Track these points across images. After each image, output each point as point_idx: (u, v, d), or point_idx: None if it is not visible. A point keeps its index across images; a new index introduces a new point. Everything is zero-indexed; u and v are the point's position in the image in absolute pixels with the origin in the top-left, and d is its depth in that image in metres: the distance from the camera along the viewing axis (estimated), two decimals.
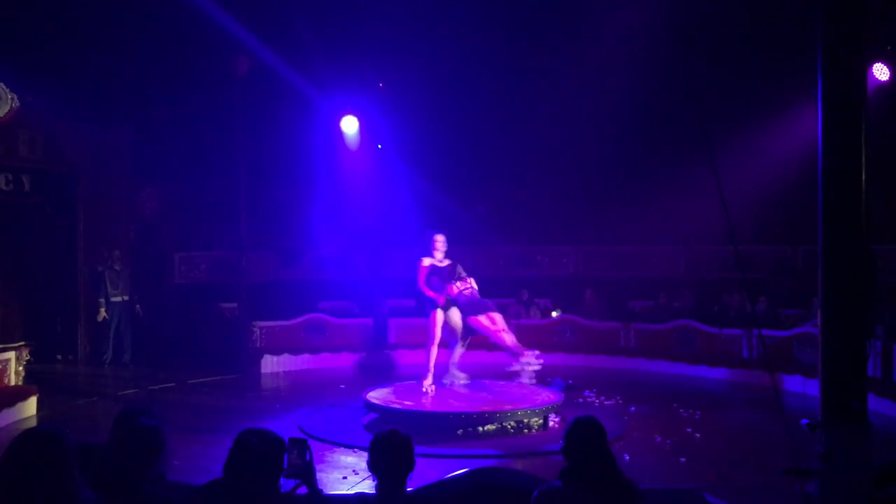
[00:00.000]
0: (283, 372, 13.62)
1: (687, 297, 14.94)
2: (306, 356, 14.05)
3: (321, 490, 3.68)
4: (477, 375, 10.48)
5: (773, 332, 12.47)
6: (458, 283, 9.82)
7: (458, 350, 10.20)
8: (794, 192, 14.69)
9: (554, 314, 15.42)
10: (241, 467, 3.34)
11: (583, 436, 3.49)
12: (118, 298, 14.06)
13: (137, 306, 14.27)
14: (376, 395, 9.56)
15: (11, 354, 10.32)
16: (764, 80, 14.76)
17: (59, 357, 14.24)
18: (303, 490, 3.65)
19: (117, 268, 14.11)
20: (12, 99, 12.89)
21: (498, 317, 9.90)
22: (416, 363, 11.38)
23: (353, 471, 7.45)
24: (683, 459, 8.07)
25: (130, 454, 3.39)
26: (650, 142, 16.10)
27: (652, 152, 16.19)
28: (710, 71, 13.35)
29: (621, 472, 3.46)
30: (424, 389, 9.77)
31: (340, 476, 7.32)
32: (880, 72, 13.21)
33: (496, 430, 8.76)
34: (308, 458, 3.61)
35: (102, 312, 13.89)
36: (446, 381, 10.05)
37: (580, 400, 10.92)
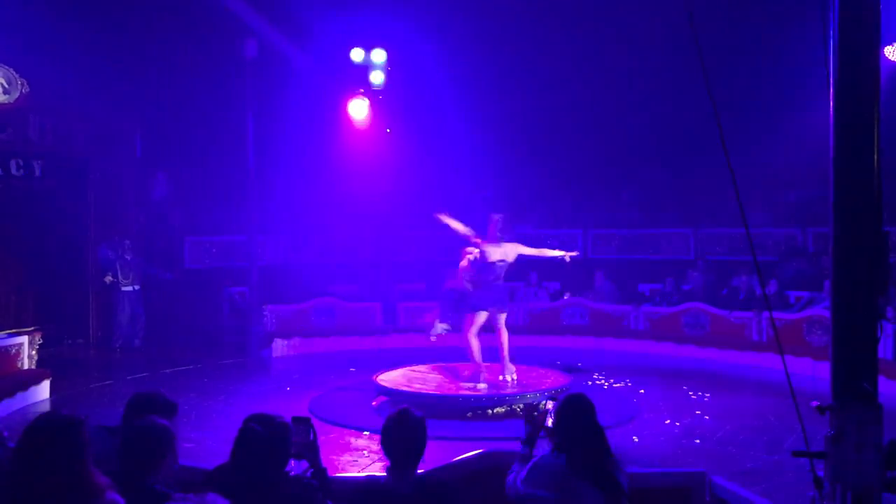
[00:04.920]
0: (294, 355, 13.65)
1: (696, 279, 14.90)
2: (316, 339, 14.04)
3: (325, 468, 3.69)
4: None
5: (782, 314, 12.44)
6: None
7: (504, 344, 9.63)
8: (806, 173, 14.61)
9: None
10: (246, 454, 3.35)
11: (570, 411, 3.66)
12: (129, 287, 14.10)
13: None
14: (386, 378, 9.60)
15: (24, 339, 10.39)
16: (776, 59, 14.62)
17: (69, 342, 14.32)
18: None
19: (128, 257, 14.14)
20: (22, 84, 12.90)
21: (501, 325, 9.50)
22: (425, 347, 11.38)
23: (364, 453, 7.50)
24: (693, 442, 8.09)
25: (140, 454, 3.35)
26: (659, 124, 16.01)
27: (661, 135, 16.11)
28: (720, 52, 13.23)
29: (608, 446, 3.59)
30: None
31: (352, 459, 7.36)
32: (893, 53, 13.12)
33: (505, 412, 8.78)
34: (312, 436, 3.62)
35: (109, 277, 13.96)
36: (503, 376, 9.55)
37: (589, 383, 10.94)
